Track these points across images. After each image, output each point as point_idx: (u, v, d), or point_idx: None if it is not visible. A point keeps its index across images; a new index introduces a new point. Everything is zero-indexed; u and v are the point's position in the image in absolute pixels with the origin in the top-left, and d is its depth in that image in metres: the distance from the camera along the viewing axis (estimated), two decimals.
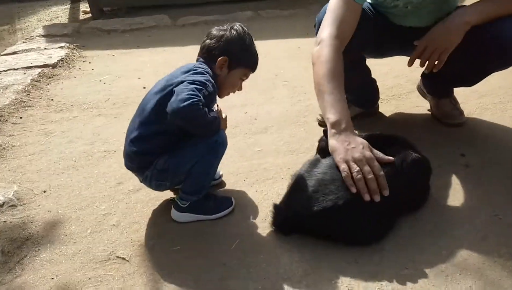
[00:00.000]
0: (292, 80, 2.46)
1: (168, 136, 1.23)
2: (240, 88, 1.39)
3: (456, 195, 1.40)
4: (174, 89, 1.14)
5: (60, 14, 5.77)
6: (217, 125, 1.22)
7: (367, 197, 1.09)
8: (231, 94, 1.40)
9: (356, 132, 1.23)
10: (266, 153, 1.72)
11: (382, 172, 1.11)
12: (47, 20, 5.41)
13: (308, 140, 1.80)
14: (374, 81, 1.94)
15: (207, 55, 1.31)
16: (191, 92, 1.11)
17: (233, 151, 1.72)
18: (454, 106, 1.84)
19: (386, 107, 2.07)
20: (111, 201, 1.47)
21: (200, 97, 1.12)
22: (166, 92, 1.19)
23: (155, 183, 1.29)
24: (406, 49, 1.62)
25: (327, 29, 1.32)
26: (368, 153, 1.12)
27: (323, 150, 1.27)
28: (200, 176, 1.27)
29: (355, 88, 1.67)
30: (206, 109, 1.15)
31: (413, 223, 1.27)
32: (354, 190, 1.10)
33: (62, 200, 1.49)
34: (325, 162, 1.22)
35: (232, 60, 1.29)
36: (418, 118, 1.96)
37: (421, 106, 2.05)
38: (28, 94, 2.38)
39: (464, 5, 1.45)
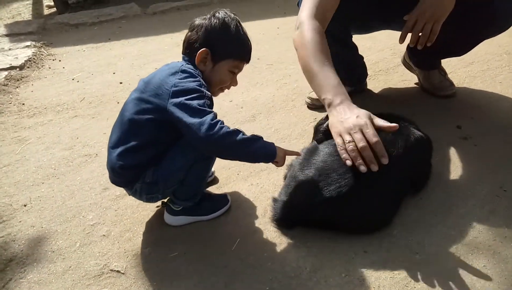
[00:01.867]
0: (276, 63, 2.37)
1: (156, 146, 1.10)
2: (234, 83, 1.24)
3: (457, 170, 1.36)
4: (171, 109, 1.01)
5: (22, 10, 5.45)
6: (263, 154, 1.06)
7: (362, 169, 0.98)
8: (227, 90, 1.27)
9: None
10: None
11: (376, 138, 0.99)
12: (8, 18, 5.11)
13: (298, 125, 1.74)
14: (361, 57, 1.88)
15: (189, 50, 1.16)
16: (206, 116, 0.99)
17: None
18: (444, 77, 1.80)
19: (375, 83, 2.01)
20: (99, 209, 1.38)
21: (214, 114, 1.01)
22: (148, 98, 1.07)
23: (145, 196, 1.17)
24: (393, 22, 1.56)
25: (306, 11, 1.25)
26: (362, 121, 1.01)
27: (321, 132, 1.21)
28: (193, 183, 1.18)
29: (343, 67, 1.60)
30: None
31: (418, 203, 1.23)
32: (349, 163, 1.00)
33: (45, 213, 1.39)
34: (324, 149, 1.15)
35: (215, 52, 1.14)
36: (408, 92, 1.91)
37: (408, 79, 2.00)
38: None
39: None
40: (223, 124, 1.00)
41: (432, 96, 1.81)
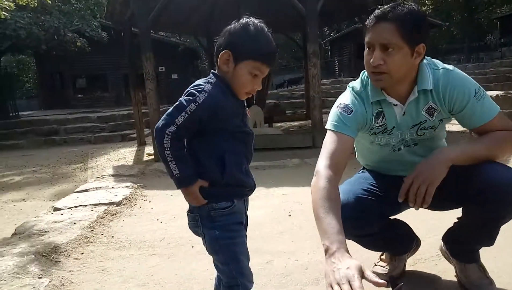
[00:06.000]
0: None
1: None
2: (257, 86, 1.22)
3: None
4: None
5: (127, 155, 6.51)
6: (177, 176, 1.18)
7: None
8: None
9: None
10: None
11: None
12: (115, 160, 6.10)
13: None
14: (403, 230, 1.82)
15: (216, 56, 1.20)
16: (163, 117, 1.16)
17: None
18: (483, 274, 1.63)
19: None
20: None
21: (169, 122, 1.14)
22: None
23: None
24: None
25: (322, 161, 1.41)
26: (350, 273, 1.04)
27: None
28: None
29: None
30: (177, 142, 1.16)
31: None
32: None
33: None
34: None
35: (235, 53, 1.16)
36: (444, 285, 1.75)
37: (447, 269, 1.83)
38: (92, 230, 2.55)
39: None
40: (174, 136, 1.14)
41: None
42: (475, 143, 1.50)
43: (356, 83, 1.55)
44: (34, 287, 1.79)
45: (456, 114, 1.46)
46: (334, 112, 1.51)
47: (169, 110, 1.18)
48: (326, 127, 1.50)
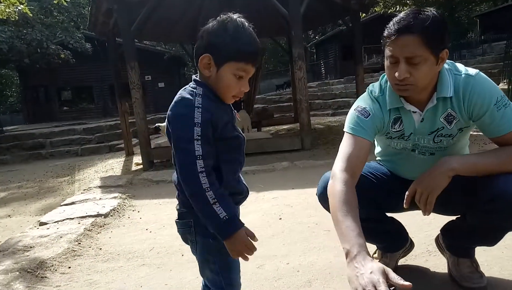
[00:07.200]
0: (334, 230, 2.45)
1: None
2: (244, 88, 1.13)
3: None
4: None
5: (115, 166, 6.42)
6: (225, 219, 1.05)
7: None
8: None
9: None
10: None
11: None
12: (103, 171, 6.01)
13: None
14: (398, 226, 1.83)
15: (196, 60, 1.11)
16: (181, 163, 1.05)
17: None
18: (475, 269, 1.65)
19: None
20: None
21: (192, 159, 1.03)
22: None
23: None
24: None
25: (339, 164, 1.40)
26: (375, 278, 1.03)
27: None
28: None
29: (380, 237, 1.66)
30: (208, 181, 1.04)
31: None
32: None
33: None
34: None
35: (216, 55, 1.07)
36: (435, 278, 1.76)
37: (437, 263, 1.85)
38: (79, 243, 2.50)
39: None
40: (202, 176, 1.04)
41: (459, 287, 1.64)
42: (486, 155, 1.42)
43: (375, 87, 1.53)
44: None
45: (475, 121, 1.42)
46: (352, 115, 1.50)
47: (177, 153, 1.07)
48: (344, 130, 1.49)
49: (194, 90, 1.10)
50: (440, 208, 1.49)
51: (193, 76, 1.17)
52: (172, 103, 1.11)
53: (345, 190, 1.31)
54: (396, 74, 1.33)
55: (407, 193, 1.46)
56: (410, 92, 1.38)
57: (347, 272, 1.14)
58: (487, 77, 1.42)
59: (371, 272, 1.06)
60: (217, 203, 1.05)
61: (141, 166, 5.63)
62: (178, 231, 1.24)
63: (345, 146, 1.45)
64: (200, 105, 1.07)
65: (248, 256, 1.12)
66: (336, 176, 1.36)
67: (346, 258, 1.16)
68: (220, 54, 1.08)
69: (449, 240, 1.71)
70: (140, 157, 5.79)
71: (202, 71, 1.11)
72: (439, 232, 1.79)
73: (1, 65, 15.93)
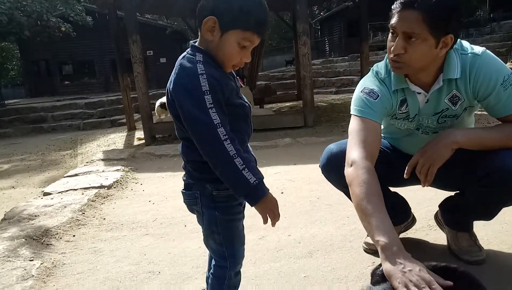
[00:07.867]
0: (335, 204, 2.47)
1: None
2: (247, 58, 1.08)
3: None
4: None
5: (117, 140, 6.43)
6: (255, 184, 1.03)
7: None
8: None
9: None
10: (312, 280, 1.65)
11: None
12: (105, 146, 6.03)
13: (356, 266, 1.73)
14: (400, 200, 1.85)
15: (199, 20, 1.04)
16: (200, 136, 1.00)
17: (278, 276, 1.67)
18: (474, 242, 1.66)
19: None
20: None
21: (212, 127, 0.99)
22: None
23: None
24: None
25: (356, 151, 1.36)
26: (426, 276, 1.04)
27: (378, 276, 1.21)
28: None
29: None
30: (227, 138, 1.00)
31: None
32: None
33: None
34: None
35: (222, 20, 1.01)
36: (433, 251, 1.78)
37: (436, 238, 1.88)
38: (83, 213, 2.53)
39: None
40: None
41: (458, 260, 1.64)
42: (490, 130, 1.42)
43: (380, 68, 1.49)
44: (25, 269, 1.77)
45: (481, 101, 1.39)
46: (359, 97, 1.45)
47: (194, 127, 1.02)
48: (352, 112, 1.45)
49: (194, 57, 1.05)
50: (438, 182, 1.48)
51: (191, 42, 1.10)
52: (173, 75, 1.06)
53: (371, 181, 1.28)
54: (392, 48, 1.31)
55: (409, 163, 1.45)
56: (403, 70, 1.36)
57: (387, 266, 1.12)
58: (493, 55, 1.39)
59: (419, 270, 1.06)
60: (246, 168, 1.02)
61: (143, 140, 5.63)
62: (184, 201, 1.24)
63: (358, 130, 1.41)
64: (204, 72, 1.02)
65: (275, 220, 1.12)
66: (358, 164, 1.32)
67: (383, 252, 1.15)
68: (227, 19, 1.01)
69: (447, 215, 1.72)
70: (142, 132, 5.79)
71: (203, 34, 1.04)
72: (438, 208, 1.80)
73: (1, 38, 15.74)
